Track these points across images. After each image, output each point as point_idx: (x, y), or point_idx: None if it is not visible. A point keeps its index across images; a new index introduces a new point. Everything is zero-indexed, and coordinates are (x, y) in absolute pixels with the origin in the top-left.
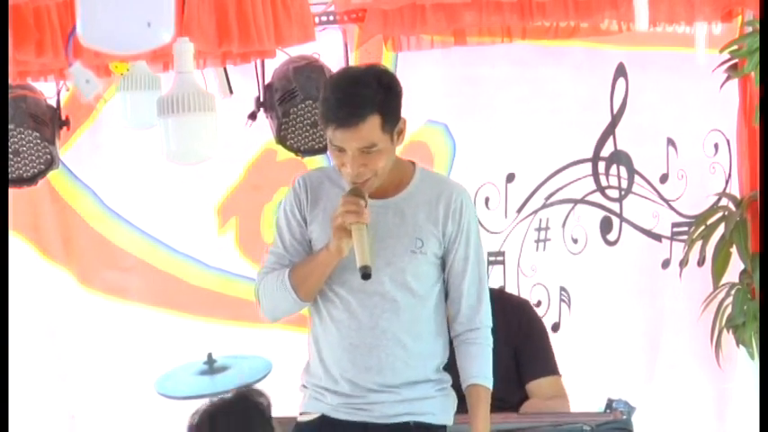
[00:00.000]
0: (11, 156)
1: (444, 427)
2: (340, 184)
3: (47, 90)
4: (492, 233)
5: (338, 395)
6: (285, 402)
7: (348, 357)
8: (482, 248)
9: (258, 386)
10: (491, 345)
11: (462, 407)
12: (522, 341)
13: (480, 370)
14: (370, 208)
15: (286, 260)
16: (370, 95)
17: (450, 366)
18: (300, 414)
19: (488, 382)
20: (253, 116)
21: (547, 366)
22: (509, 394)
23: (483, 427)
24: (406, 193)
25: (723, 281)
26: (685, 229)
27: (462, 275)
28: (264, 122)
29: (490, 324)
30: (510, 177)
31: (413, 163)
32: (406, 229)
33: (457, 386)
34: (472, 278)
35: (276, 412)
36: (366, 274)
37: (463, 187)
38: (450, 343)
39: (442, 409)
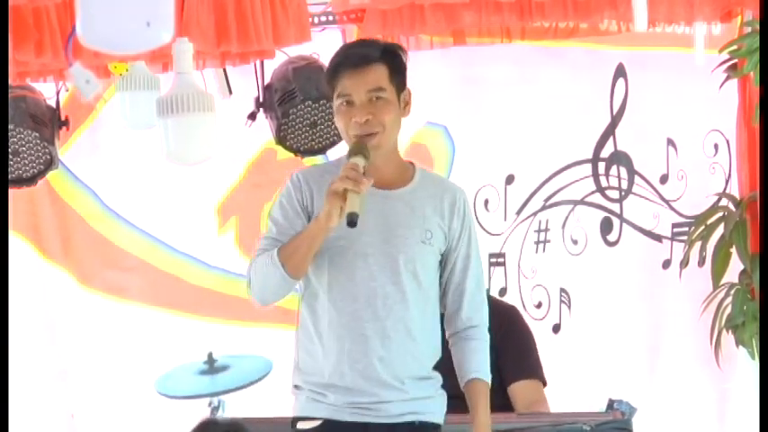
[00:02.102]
0: (10, 156)
1: (440, 426)
2: None
3: (46, 90)
4: (492, 235)
5: (344, 392)
6: (285, 402)
7: (360, 349)
8: (479, 250)
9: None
10: (489, 342)
11: (455, 407)
12: (504, 344)
13: (480, 365)
14: (379, 197)
15: (279, 244)
16: (378, 48)
17: (438, 366)
18: (299, 420)
19: (488, 378)
20: (252, 116)
21: (529, 369)
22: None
23: (485, 421)
24: (411, 187)
25: (723, 281)
26: (686, 229)
27: (465, 273)
28: (265, 122)
29: (487, 323)
30: (509, 179)
31: (412, 163)
32: (416, 220)
33: (446, 387)
34: (473, 277)
35: (276, 412)
36: (352, 222)
37: (462, 188)
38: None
39: (440, 408)
